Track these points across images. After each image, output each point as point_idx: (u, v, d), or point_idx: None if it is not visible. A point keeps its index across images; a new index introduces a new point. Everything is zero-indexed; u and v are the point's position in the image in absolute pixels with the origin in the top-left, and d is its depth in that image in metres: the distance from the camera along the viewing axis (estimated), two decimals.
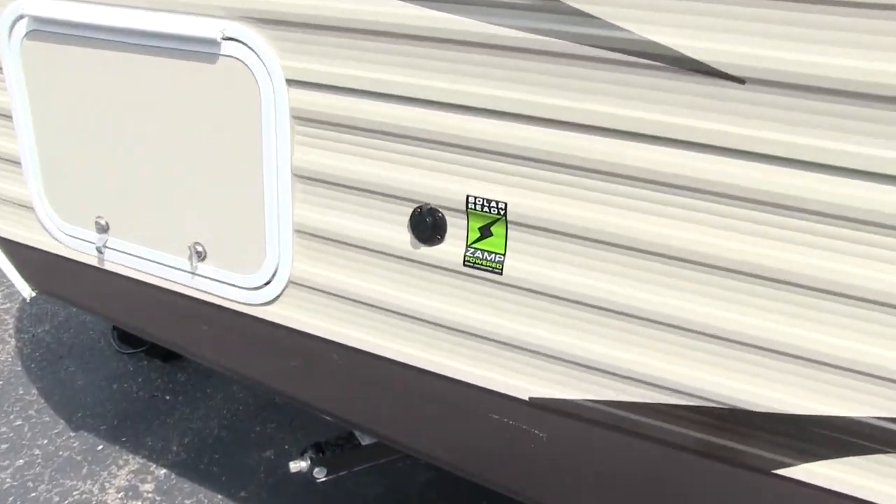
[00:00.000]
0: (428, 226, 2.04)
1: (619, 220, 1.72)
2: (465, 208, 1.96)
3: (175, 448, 3.64)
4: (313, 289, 2.22)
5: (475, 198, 1.95)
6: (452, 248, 2.02)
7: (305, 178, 2.11)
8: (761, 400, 1.62)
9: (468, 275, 2.00)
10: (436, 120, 1.84)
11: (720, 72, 1.39)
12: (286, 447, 3.63)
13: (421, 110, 1.87)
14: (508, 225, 1.94)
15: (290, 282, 2.24)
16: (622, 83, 1.54)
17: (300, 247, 2.20)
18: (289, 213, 2.15)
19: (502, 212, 1.93)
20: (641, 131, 1.57)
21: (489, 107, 1.76)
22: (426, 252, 2.05)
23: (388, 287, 2.12)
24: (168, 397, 3.96)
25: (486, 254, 2.01)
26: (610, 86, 1.54)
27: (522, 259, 1.92)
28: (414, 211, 2.04)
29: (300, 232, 2.17)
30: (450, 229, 2.01)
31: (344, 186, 2.07)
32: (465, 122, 1.83)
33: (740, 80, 1.39)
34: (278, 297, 2.29)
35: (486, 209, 1.96)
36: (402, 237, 2.07)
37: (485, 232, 1.99)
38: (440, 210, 2.01)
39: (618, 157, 1.63)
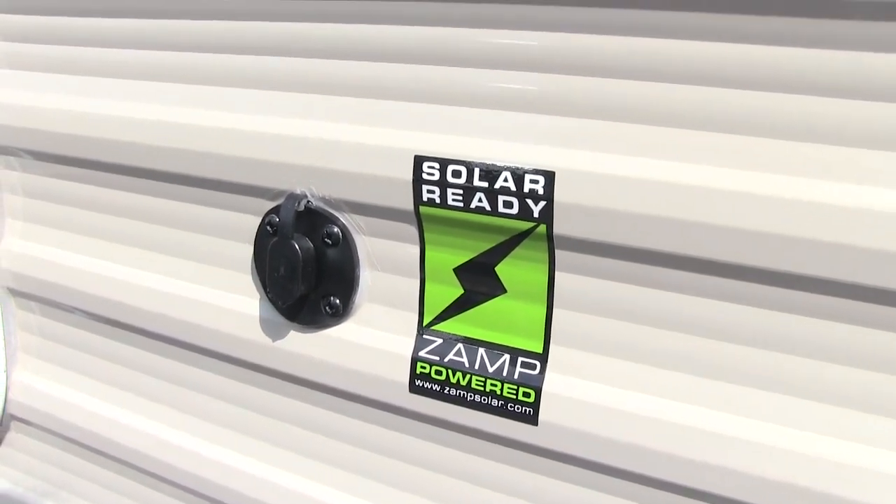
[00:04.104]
0: (298, 262, 0.97)
1: None
2: (412, 202, 0.89)
3: None
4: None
5: (440, 163, 0.86)
6: (375, 333, 0.98)
7: None
8: None
9: (421, 419, 0.97)
10: None
11: None
12: None
13: None
14: (556, 248, 0.84)
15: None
16: None
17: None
18: None
19: (540, 203, 0.82)
20: None
21: None
22: (298, 348, 1.03)
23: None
24: None
25: (480, 355, 0.91)
26: None
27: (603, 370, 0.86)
28: (264, 225, 1.02)
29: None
30: (363, 275, 0.98)
31: None
32: None
33: None
34: None
35: (479, 200, 0.85)
36: (235, 301, 1.07)
37: (476, 283, 0.91)
38: (330, 211, 0.97)
39: None
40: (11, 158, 1.25)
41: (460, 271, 0.91)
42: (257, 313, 1.05)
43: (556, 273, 0.86)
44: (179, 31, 1.04)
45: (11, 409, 1.34)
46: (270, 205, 1.01)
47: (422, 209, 0.89)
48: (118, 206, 1.17)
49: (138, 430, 1.20)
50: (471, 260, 0.90)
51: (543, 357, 0.88)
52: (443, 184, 0.86)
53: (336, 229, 0.96)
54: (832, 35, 0.69)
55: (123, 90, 1.11)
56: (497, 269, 0.88)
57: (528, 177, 0.82)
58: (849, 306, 0.73)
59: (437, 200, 0.87)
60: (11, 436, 1.37)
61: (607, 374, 0.85)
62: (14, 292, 1.30)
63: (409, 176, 0.88)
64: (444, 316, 0.93)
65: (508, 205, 0.83)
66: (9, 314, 1.31)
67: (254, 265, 1.05)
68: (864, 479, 0.74)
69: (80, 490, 1.33)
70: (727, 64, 0.73)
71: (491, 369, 0.90)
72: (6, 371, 1.32)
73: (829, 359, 0.75)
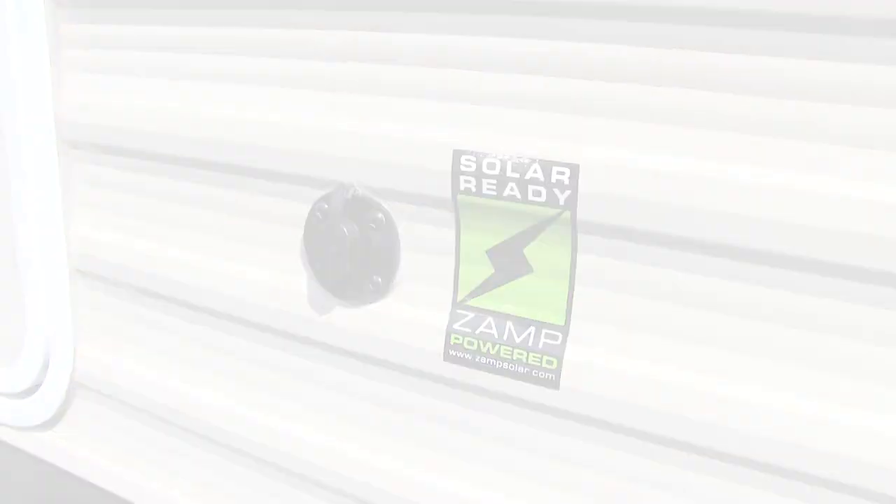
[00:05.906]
0: (346, 244, 1.07)
1: None
2: (450, 191, 0.98)
3: None
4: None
5: (476, 157, 0.96)
6: (413, 308, 1.09)
7: None
8: None
9: (454, 385, 1.06)
10: None
11: None
12: None
13: None
14: (578, 232, 0.94)
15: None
16: None
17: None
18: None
19: (565, 192, 0.92)
20: None
21: None
22: (344, 322, 1.13)
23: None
24: None
25: (508, 327, 0.99)
26: None
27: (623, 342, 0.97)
28: (314, 212, 1.12)
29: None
30: (405, 255, 1.07)
31: None
32: None
33: None
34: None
35: (511, 189, 0.94)
36: (287, 281, 1.18)
37: (506, 264, 1.00)
38: (375, 199, 1.06)
39: None
40: (82, 152, 1.37)
41: (492, 253, 1.00)
42: (307, 291, 1.16)
43: (578, 254, 0.95)
44: (240, 38, 1.15)
45: (78, 378, 1.46)
46: (320, 193, 1.11)
47: (459, 197, 0.99)
48: (179, 195, 1.27)
49: (196, 399, 1.31)
50: (502, 243, 0.99)
51: (565, 329, 0.98)
52: (478, 175, 0.96)
53: (380, 215, 1.06)
54: (828, 47, 0.79)
55: (187, 90, 1.21)
56: (525, 250, 0.98)
57: (555, 169, 0.91)
58: (843, 286, 0.82)
59: (473, 189, 0.97)
60: (78, 403, 1.49)
61: (622, 344, 0.95)
62: (82, 273, 1.42)
63: (448, 168, 0.98)
64: (476, 293, 1.03)
65: (537, 193, 0.93)
66: (77, 293, 1.43)
67: (304, 248, 1.16)
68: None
69: (144, 453, 1.44)
70: (736, 71, 0.82)
71: (518, 340, 1.00)
72: (74, 345, 1.44)
73: (828, 330, 0.84)
